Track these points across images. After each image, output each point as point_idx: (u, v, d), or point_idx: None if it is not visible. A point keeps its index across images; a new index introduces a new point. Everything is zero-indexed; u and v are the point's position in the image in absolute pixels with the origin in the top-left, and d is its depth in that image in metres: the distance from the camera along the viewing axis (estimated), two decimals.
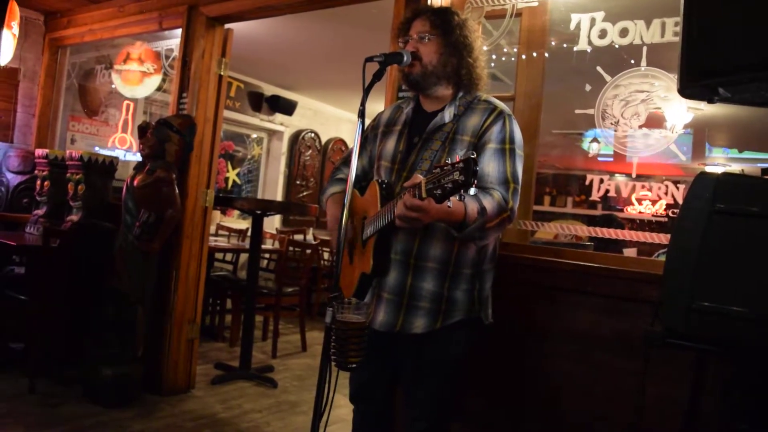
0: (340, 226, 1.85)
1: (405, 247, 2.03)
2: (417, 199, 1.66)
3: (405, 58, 2.06)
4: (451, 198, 1.60)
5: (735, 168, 7.35)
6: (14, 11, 4.41)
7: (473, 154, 1.53)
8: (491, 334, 2.31)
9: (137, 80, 4.94)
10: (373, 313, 2.08)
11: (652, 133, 2.56)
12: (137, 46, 4.91)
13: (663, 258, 2.04)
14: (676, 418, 2.19)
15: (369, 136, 2.36)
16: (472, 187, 1.53)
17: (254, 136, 8.14)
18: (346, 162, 2.30)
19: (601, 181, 2.69)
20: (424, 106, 2.19)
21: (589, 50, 2.65)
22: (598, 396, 2.41)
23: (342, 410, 3.54)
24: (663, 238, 2.47)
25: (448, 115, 2.10)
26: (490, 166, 1.98)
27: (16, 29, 4.73)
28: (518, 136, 2.06)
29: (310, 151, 8.45)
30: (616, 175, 3.03)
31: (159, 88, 4.86)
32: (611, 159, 3.11)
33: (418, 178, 1.68)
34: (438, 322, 2.02)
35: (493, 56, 3.05)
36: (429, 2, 3.00)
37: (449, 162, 1.57)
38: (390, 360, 2.19)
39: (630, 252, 3.82)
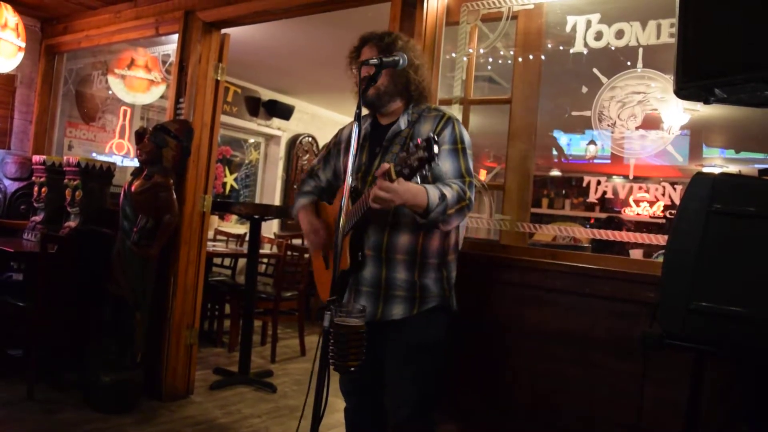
0: (336, 227, 1.92)
1: (376, 243, 2.22)
2: (388, 181, 1.88)
3: (401, 62, 2.16)
4: (417, 185, 1.93)
5: (732, 169, 7.37)
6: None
7: (433, 135, 1.78)
8: (490, 336, 2.32)
9: (144, 88, 4.97)
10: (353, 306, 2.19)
11: (648, 134, 2.56)
12: (141, 52, 4.92)
13: (661, 259, 2.05)
14: (676, 420, 2.19)
15: (332, 151, 2.58)
16: (434, 161, 1.77)
17: (251, 140, 8.14)
18: (312, 176, 2.60)
19: (599, 182, 2.70)
20: (380, 120, 2.41)
21: (585, 52, 2.66)
22: (597, 398, 2.40)
23: (341, 414, 3.54)
24: (661, 239, 2.47)
25: (403, 123, 2.32)
26: (446, 164, 2.20)
27: (20, 41, 4.74)
28: (467, 136, 2.30)
29: (308, 156, 8.44)
30: (614, 176, 3.03)
31: (163, 96, 4.89)
32: (608, 161, 3.11)
33: (386, 165, 1.90)
34: (415, 308, 2.21)
35: (490, 59, 3.05)
36: (425, 11, 3.01)
37: (412, 144, 1.82)
38: (374, 350, 2.26)
39: (636, 253, 3.82)
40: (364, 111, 2.47)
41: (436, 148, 1.75)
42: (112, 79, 4.93)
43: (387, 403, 2.31)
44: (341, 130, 2.59)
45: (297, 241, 7.19)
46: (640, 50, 2.53)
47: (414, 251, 2.21)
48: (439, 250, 2.25)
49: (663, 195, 2.57)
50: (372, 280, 2.22)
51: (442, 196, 2.04)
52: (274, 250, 7.03)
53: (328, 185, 2.57)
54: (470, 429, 2.69)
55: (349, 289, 2.28)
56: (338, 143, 2.56)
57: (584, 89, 2.67)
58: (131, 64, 4.92)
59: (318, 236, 2.43)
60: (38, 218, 4.54)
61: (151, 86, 4.99)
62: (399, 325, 2.22)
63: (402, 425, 2.25)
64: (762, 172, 2.44)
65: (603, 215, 7.27)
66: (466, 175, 2.21)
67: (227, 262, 6.80)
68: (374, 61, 2.10)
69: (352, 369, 1.80)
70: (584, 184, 2.76)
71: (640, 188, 2.62)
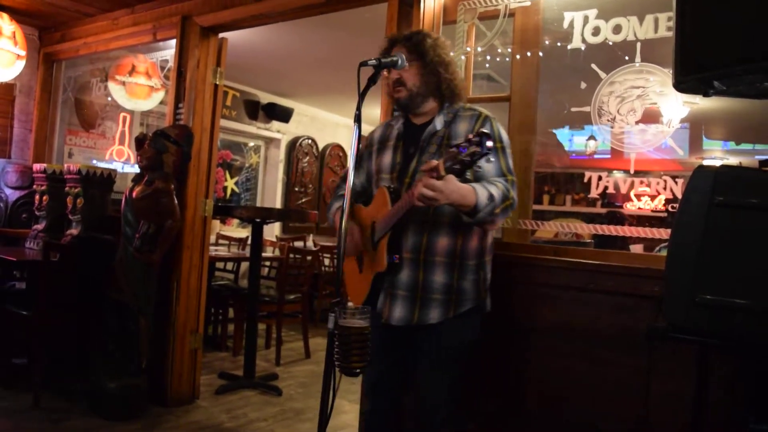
0: (339, 233, 1.92)
1: (414, 245, 2.18)
2: (434, 179, 1.83)
3: (399, 62, 2.16)
4: (465, 185, 1.90)
5: (732, 160, 7.36)
6: None
7: (485, 131, 1.72)
8: (495, 333, 2.32)
9: (145, 94, 4.99)
10: (389, 310, 2.21)
11: (648, 128, 2.56)
12: (141, 59, 4.93)
13: (664, 253, 2.04)
14: (683, 413, 2.19)
15: (364, 154, 2.53)
16: (487, 155, 1.72)
17: (251, 144, 8.14)
18: (345, 180, 2.45)
19: (600, 178, 2.70)
20: (413, 120, 2.37)
21: (583, 48, 2.66)
22: (603, 393, 2.40)
23: (347, 416, 3.54)
24: (664, 233, 2.47)
25: (439, 123, 2.27)
26: (487, 164, 2.11)
27: (18, 49, 4.75)
28: (505, 135, 2.26)
29: (308, 158, 8.45)
30: (614, 171, 3.03)
31: (162, 102, 4.90)
32: (609, 156, 3.11)
33: (434, 162, 1.84)
34: (451, 311, 2.17)
35: (488, 57, 3.05)
36: (422, 10, 3.01)
37: (463, 140, 1.75)
38: (405, 354, 2.31)
39: (637, 248, 3.82)
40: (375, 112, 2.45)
41: (489, 143, 1.71)
42: (113, 86, 4.94)
43: (416, 405, 2.29)
44: (372, 133, 2.55)
45: (299, 244, 7.19)
46: (638, 45, 2.53)
47: (453, 253, 2.18)
48: (477, 250, 2.22)
49: (664, 189, 2.57)
50: (409, 284, 2.18)
51: (491, 196, 2.00)
52: (277, 253, 7.03)
53: (362, 189, 2.52)
54: (476, 424, 2.69)
55: (384, 293, 2.25)
56: (369, 146, 2.52)
57: (583, 85, 2.67)
58: (132, 70, 4.93)
59: (352, 239, 2.37)
60: (40, 226, 4.54)
61: (151, 92, 5.02)
62: (434, 328, 2.18)
63: (438, 429, 2.22)
64: (763, 163, 2.44)
65: (604, 210, 7.27)
66: (508, 174, 2.17)
67: (230, 266, 6.80)
68: (372, 61, 2.10)
69: (357, 371, 1.80)
70: (585, 180, 2.75)
71: (642, 182, 2.62)
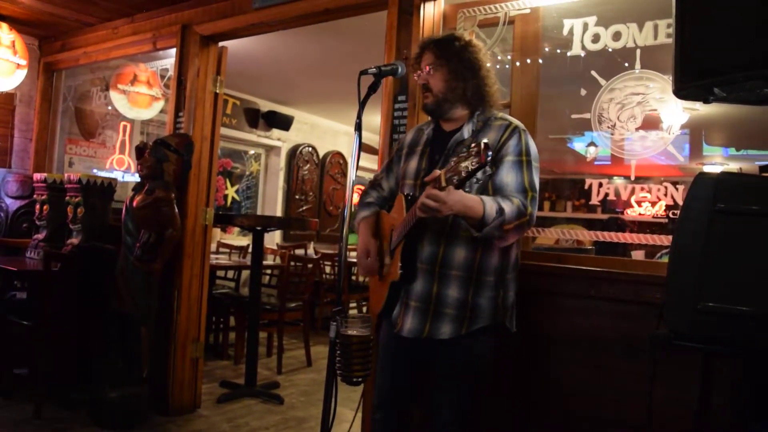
0: (340, 239, 1.92)
1: (430, 256, 2.12)
2: (436, 189, 1.80)
3: (399, 70, 2.16)
4: (473, 196, 1.89)
5: (733, 166, 7.36)
6: None
7: (485, 140, 1.68)
8: (496, 341, 2.30)
9: (147, 103, 5.01)
10: (402, 320, 2.17)
11: (649, 134, 2.56)
12: (142, 68, 4.95)
13: (665, 259, 2.04)
14: (686, 420, 2.18)
15: (394, 158, 2.49)
16: (486, 167, 1.70)
17: (252, 152, 8.15)
18: (374, 186, 2.50)
19: (600, 184, 2.69)
20: (443, 126, 2.31)
21: (582, 55, 2.66)
22: (606, 400, 2.40)
23: (349, 424, 3.53)
24: (665, 240, 2.47)
25: (467, 131, 2.19)
26: (509, 177, 2.08)
27: (18, 59, 4.77)
28: (534, 149, 2.16)
29: (308, 165, 8.45)
30: (615, 177, 3.03)
31: (162, 110, 4.91)
32: (609, 162, 3.10)
33: (437, 172, 1.82)
34: (463, 328, 2.10)
35: (487, 64, 3.05)
36: (421, 18, 3.02)
37: (465, 150, 1.72)
38: (415, 367, 2.27)
39: (638, 254, 3.81)
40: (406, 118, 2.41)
41: (489, 155, 1.67)
42: (115, 95, 4.95)
43: (426, 421, 2.25)
44: (404, 137, 2.50)
45: (300, 252, 7.19)
46: (638, 51, 2.53)
47: (470, 267, 2.10)
48: (497, 267, 2.14)
49: (665, 195, 2.57)
50: (422, 295, 2.13)
51: (500, 210, 1.95)
52: (278, 261, 7.02)
53: (391, 194, 2.47)
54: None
55: (400, 302, 2.20)
56: (400, 149, 2.47)
57: (583, 92, 2.67)
58: (134, 79, 4.95)
59: (367, 264, 2.32)
60: (40, 236, 4.54)
61: (152, 102, 5.04)
62: (447, 345, 2.13)
63: None
64: (763, 169, 2.44)
65: (605, 216, 7.27)
66: (530, 190, 2.08)
67: (231, 274, 6.79)
68: (372, 70, 2.09)
69: (359, 380, 1.79)
70: (586, 187, 2.75)
71: (642, 189, 2.62)
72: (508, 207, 1.97)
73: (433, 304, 2.11)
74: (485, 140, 1.69)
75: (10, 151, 5.26)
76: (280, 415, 4.22)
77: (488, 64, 2.27)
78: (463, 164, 1.71)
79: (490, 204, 1.94)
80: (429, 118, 2.39)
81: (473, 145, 1.69)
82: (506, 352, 2.61)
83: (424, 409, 2.32)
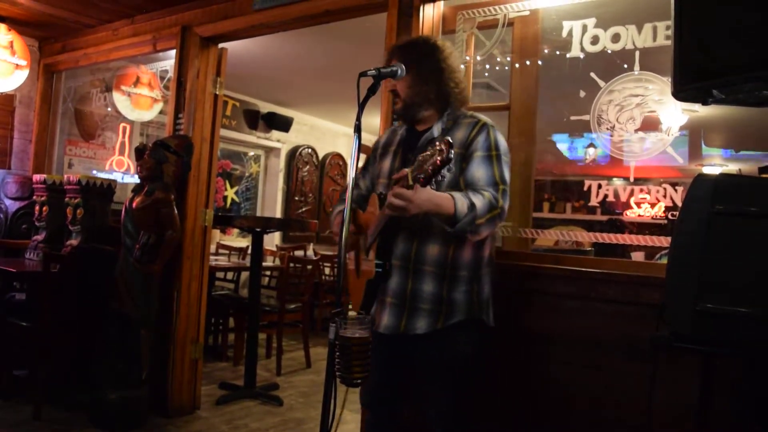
0: (340, 240, 1.90)
1: (403, 253, 2.16)
2: (403, 188, 1.83)
3: (399, 72, 2.15)
4: (441, 193, 1.91)
5: (732, 168, 7.37)
6: None
7: (448, 138, 1.74)
8: (497, 342, 2.31)
9: (148, 105, 5.02)
10: (379, 317, 2.20)
11: (648, 136, 2.56)
12: (143, 70, 4.95)
13: (664, 261, 2.04)
14: (687, 421, 2.18)
15: (370, 159, 2.52)
16: (449, 164, 1.73)
17: (251, 153, 8.15)
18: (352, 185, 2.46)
19: (600, 186, 2.70)
20: (416, 126, 2.34)
21: (582, 57, 2.67)
22: (606, 401, 2.40)
23: (348, 426, 3.53)
24: (664, 241, 2.47)
25: (437, 130, 2.24)
26: (479, 171, 2.12)
27: (16, 59, 4.77)
28: (503, 143, 2.20)
29: (308, 167, 8.46)
30: (614, 179, 3.03)
31: (162, 112, 4.92)
32: (608, 163, 3.10)
33: (404, 171, 1.86)
34: (439, 322, 2.13)
35: (487, 66, 3.06)
36: (421, 20, 3.02)
37: (429, 149, 1.76)
38: (396, 363, 2.28)
39: (638, 255, 3.81)
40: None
41: (452, 152, 1.70)
42: (118, 96, 4.97)
43: (417, 418, 2.27)
44: (379, 138, 2.55)
45: (299, 253, 7.18)
46: (637, 53, 2.54)
47: (444, 263, 2.13)
48: (471, 262, 2.17)
49: (664, 196, 2.58)
50: (397, 291, 2.16)
51: (471, 205, 1.97)
52: (277, 262, 7.02)
53: (368, 193, 2.48)
54: None
55: (377, 300, 2.23)
56: (375, 150, 2.51)
57: (582, 93, 2.67)
58: (137, 81, 4.95)
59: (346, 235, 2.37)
60: (40, 237, 4.54)
61: (153, 103, 5.05)
62: (424, 340, 2.15)
63: None
64: (762, 170, 2.44)
65: (604, 218, 7.28)
66: (500, 183, 2.11)
67: (230, 275, 6.79)
68: (372, 71, 2.09)
69: (358, 381, 1.79)
70: (585, 188, 2.75)
71: (641, 190, 2.62)
72: (479, 201, 2.00)
73: (408, 300, 2.15)
74: (448, 138, 1.73)
75: (9, 153, 5.26)
76: (279, 416, 4.22)
77: (456, 64, 2.30)
78: (428, 162, 1.74)
79: (461, 200, 1.97)
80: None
81: (437, 143, 1.72)
82: (505, 352, 2.62)
83: (414, 407, 2.33)
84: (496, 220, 2.06)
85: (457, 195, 1.98)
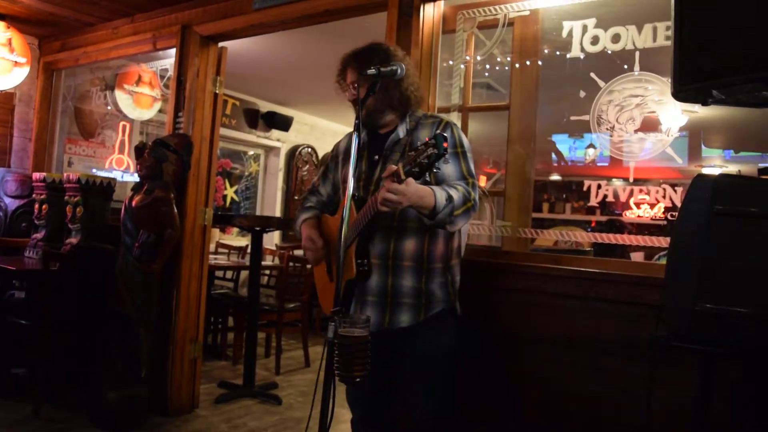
0: (339, 238, 1.90)
1: (382, 251, 2.22)
2: (395, 183, 1.88)
3: (398, 72, 2.16)
4: (424, 186, 1.97)
5: (731, 168, 7.37)
6: None
7: (440, 132, 1.82)
8: (495, 342, 2.31)
9: (149, 104, 5.03)
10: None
11: (647, 136, 2.57)
12: (144, 68, 4.96)
13: (663, 261, 2.04)
14: (687, 421, 2.18)
15: (330, 165, 2.59)
16: (444, 157, 1.77)
17: (251, 152, 8.15)
18: (313, 192, 2.60)
19: (599, 186, 2.70)
20: (378, 130, 2.40)
21: (582, 57, 2.67)
22: (605, 401, 2.40)
23: (347, 425, 3.53)
24: (663, 242, 2.47)
25: (402, 131, 2.33)
26: (448, 168, 2.21)
27: (15, 56, 4.77)
28: (465, 140, 2.32)
29: (308, 166, 8.45)
30: (614, 179, 3.03)
31: (162, 110, 4.92)
32: (608, 164, 3.11)
33: (393, 167, 1.90)
34: (421, 314, 2.21)
35: (487, 66, 3.06)
36: (421, 19, 3.02)
37: (420, 144, 1.82)
38: (381, 360, 2.25)
39: (637, 256, 3.81)
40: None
41: (445, 145, 1.76)
42: (120, 95, 4.97)
43: (403, 414, 2.29)
44: (338, 144, 2.60)
45: (299, 252, 7.18)
46: (637, 53, 2.54)
47: (420, 257, 2.21)
48: (443, 254, 2.26)
49: (664, 197, 2.57)
50: (378, 289, 2.21)
51: (449, 198, 2.05)
52: (276, 261, 7.02)
53: (329, 199, 2.57)
54: None
55: (355, 300, 2.27)
56: (335, 156, 2.56)
57: (582, 94, 2.68)
58: (139, 80, 4.96)
59: (315, 250, 2.41)
60: (39, 235, 4.54)
61: (153, 102, 5.05)
62: (408, 334, 2.21)
63: None
64: (762, 171, 2.44)
65: (604, 218, 7.28)
66: (469, 177, 2.23)
67: (229, 274, 6.79)
68: (371, 71, 2.09)
69: (358, 380, 1.79)
70: (585, 188, 2.76)
71: (641, 191, 2.62)
72: (455, 194, 2.08)
73: (390, 296, 2.21)
74: (440, 132, 1.81)
75: (9, 151, 5.25)
76: (278, 415, 4.22)
77: (411, 67, 2.36)
78: (423, 156, 1.79)
79: (440, 192, 2.04)
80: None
81: (428, 139, 1.79)
82: (504, 352, 2.62)
83: (400, 403, 2.35)
84: (470, 211, 2.15)
85: (436, 188, 2.05)
